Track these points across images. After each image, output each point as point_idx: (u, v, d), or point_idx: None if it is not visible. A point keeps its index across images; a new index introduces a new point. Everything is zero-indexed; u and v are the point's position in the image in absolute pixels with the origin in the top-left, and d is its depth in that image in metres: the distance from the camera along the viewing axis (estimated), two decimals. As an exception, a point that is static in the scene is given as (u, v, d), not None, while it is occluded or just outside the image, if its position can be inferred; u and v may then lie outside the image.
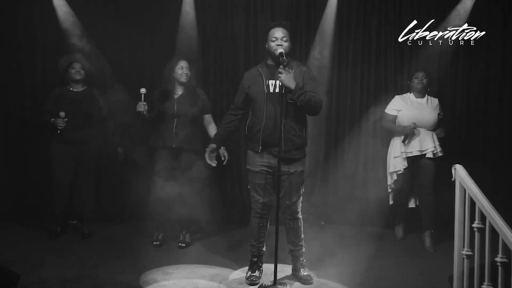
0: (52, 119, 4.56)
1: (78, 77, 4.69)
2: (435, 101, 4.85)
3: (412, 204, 4.96)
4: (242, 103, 3.86)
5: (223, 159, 4.46)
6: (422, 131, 4.69)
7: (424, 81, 4.78)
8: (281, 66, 3.52)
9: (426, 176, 4.71)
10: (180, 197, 4.50)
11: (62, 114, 4.52)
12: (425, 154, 4.67)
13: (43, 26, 5.27)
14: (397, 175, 4.77)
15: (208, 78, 5.36)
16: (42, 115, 4.70)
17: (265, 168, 3.74)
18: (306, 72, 3.73)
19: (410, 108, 4.76)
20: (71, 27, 5.13)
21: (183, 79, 4.46)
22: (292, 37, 3.79)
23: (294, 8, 5.46)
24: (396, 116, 4.83)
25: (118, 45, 5.30)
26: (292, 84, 3.49)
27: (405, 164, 4.72)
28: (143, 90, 4.30)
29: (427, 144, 4.67)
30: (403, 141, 4.70)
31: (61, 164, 4.72)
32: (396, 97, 4.90)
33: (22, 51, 5.25)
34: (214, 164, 3.94)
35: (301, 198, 3.85)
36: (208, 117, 4.66)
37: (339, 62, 5.45)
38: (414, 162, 4.74)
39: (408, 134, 4.66)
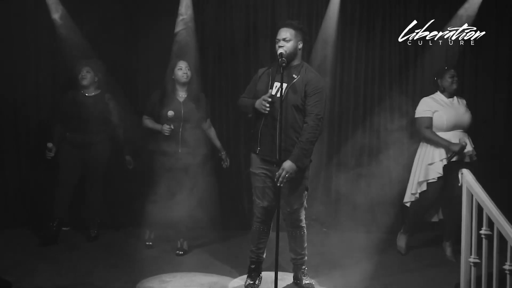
0: (47, 144, 4.71)
1: (84, 82, 4.78)
2: (464, 101, 4.59)
3: (435, 218, 4.69)
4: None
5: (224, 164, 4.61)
6: (460, 132, 4.44)
7: (457, 80, 4.54)
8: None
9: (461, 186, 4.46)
10: (180, 203, 4.44)
11: (50, 145, 4.70)
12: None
13: (36, 27, 5.19)
14: (427, 184, 4.42)
15: (207, 79, 5.27)
16: (54, 119, 4.87)
17: (265, 171, 3.65)
18: (311, 82, 3.54)
19: (446, 109, 4.45)
20: (65, 28, 5.08)
21: (184, 79, 4.45)
22: (304, 35, 3.64)
23: (295, 5, 5.35)
24: (431, 118, 4.46)
25: (115, 46, 5.21)
26: (294, 168, 3.45)
27: (441, 172, 4.35)
28: (171, 113, 4.30)
29: (467, 147, 4.36)
30: (449, 159, 4.32)
31: (68, 166, 4.78)
32: (424, 98, 4.57)
33: (15, 53, 5.17)
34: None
35: (304, 206, 3.75)
36: (208, 121, 4.71)
37: (341, 62, 5.36)
38: (450, 168, 4.35)
39: (458, 153, 4.30)
